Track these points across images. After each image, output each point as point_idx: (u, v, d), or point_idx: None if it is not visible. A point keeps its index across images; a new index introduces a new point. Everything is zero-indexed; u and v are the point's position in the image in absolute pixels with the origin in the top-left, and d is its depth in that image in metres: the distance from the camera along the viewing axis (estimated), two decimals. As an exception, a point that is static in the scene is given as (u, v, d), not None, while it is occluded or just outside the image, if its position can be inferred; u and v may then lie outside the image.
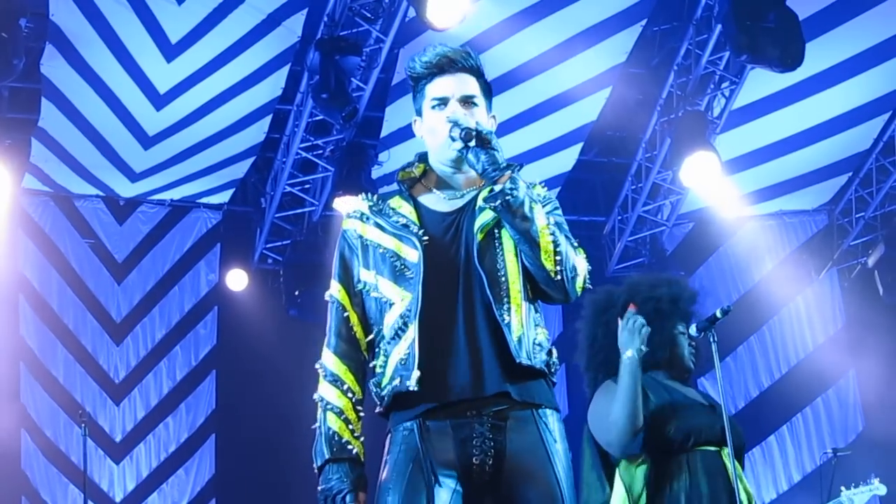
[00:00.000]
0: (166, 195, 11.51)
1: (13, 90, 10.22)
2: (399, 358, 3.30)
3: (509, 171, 3.32)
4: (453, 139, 3.37)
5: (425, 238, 3.38)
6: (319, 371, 3.45)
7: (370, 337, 3.44)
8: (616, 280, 11.57)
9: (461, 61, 3.54)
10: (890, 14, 9.86)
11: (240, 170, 11.28)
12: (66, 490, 10.70)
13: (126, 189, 11.27)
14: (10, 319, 10.83)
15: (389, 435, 3.36)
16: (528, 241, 3.34)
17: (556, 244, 3.36)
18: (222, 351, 11.56)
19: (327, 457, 3.34)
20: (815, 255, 12.18)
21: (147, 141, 10.53)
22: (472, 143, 3.33)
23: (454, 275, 3.36)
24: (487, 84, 3.59)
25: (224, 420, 11.42)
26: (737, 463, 4.84)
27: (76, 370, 11.01)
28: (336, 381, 3.40)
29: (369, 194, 3.58)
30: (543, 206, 3.45)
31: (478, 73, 3.56)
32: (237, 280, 11.42)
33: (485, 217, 3.40)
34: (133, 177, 11.03)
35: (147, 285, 11.43)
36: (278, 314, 11.14)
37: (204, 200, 11.66)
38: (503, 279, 3.37)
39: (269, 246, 11.44)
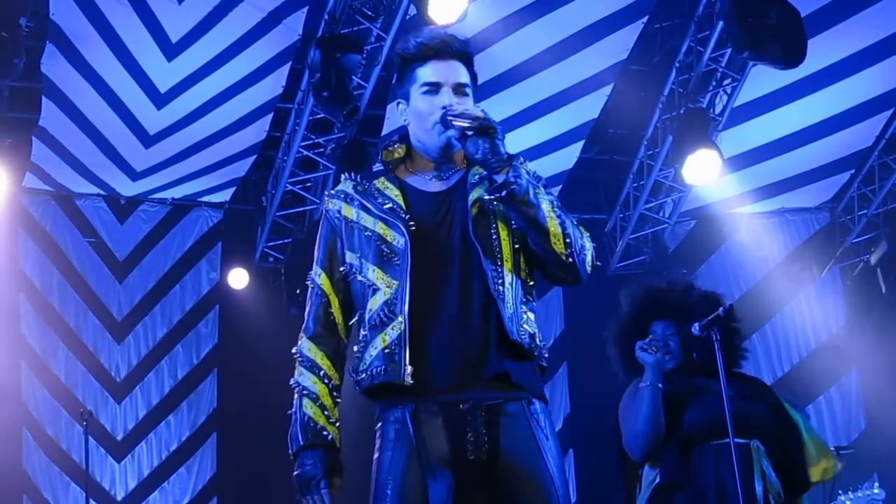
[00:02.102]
0: (167, 194, 11.50)
1: (14, 89, 10.22)
2: (383, 347, 3.24)
3: (509, 161, 3.23)
4: (448, 126, 3.27)
5: (412, 224, 3.32)
6: (296, 357, 3.42)
7: (352, 321, 3.41)
8: (617, 279, 11.62)
9: (455, 47, 3.46)
10: (892, 11, 9.83)
11: (241, 168, 11.26)
12: (67, 488, 10.69)
13: (127, 188, 11.26)
14: (11, 318, 10.83)
15: (380, 426, 3.31)
16: (535, 227, 3.28)
17: (563, 226, 3.30)
18: (223, 349, 11.56)
19: (302, 443, 3.33)
20: (818, 253, 12.17)
21: (148, 140, 10.52)
22: (472, 133, 3.22)
23: (448, 256, 3.31)
24: (475, 74, 3.51)
25: (225, 418, 11.42)
26: (765, 456, 4.85)
27: (77, 369, 11.00)
28: (313, 366, 3.37)
29: (353, 174, 3.52)
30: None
31: (469, 61, 3.49)
32: (238, 278, 11.41)
33: (478, 192, 3.34)
34: (134, 176, 11.02)
35: (148, 284, 11.42)
36: (279, 313, 11.12)
37: (205, 199, 11.65)
38: (498, 253, 3.31)
39: (270, 244, 11.43)
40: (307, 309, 3.47)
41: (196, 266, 11.62)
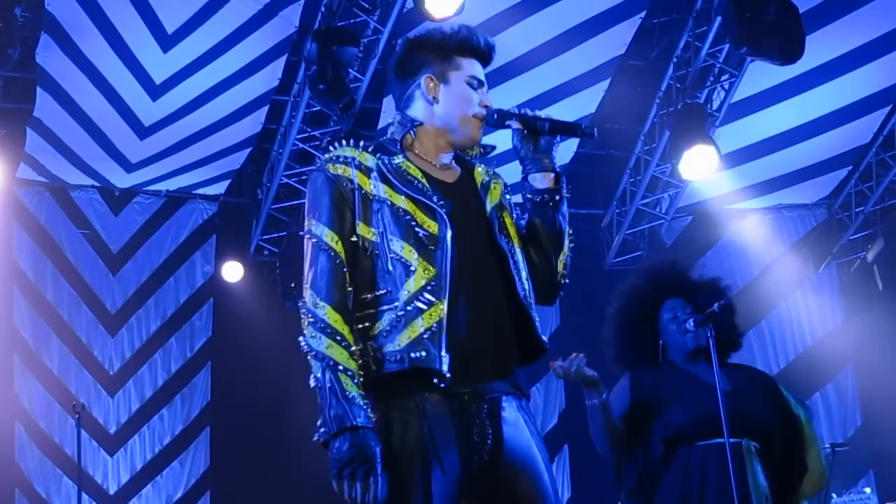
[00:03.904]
0: (162, 186, 11.46)
1: (8, 80, 10.16)
2: (421, 331, 3.13)
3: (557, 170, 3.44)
4: (502, 124, 3.43)
5: (444, 208, 3.28)
6: (310, 320, 3.18)
7: (367, 295, 3.22)
8: (613, 274, 11.59)
9: (492, 58, 3.59)
10: (891, 7, 9.83)
11: (236, 161, 11.23)
12: (59, 482, 10.65)
13: (122, 180, 11.22)
14: (4, 310, 10.78)
15: (380, 415, 3.15)
16: (556, 239, 3.41)
17: (570, 250, 3.44)
18: (217, 343, 11.52)
19: (352, 423, 3.05)
20: (815, 250, 12.16)
21: (143, 131, 10.48)
22: (548, 133, 3.46)
23: (469, 250, 3.29)
24: None
25: (219, 412, 11.38)
26: (756, 456, 4.81)
27: (70, 361, 10.95)
28: (342, 340, 3.13)
29: (363, 143, 3.40)
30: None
31: None
32: (233, 272, 11.38)
33: (494, 197, 3.44)
34: (129, 167, 10.98)
35: (142, 276, 11.39)
36: (274, 306, 11.11)
37: (200, 191, 11.61)
38: (517, 258, 3.37)
39: (265, 237, 11.40)
40: (318, 270, 3.22)
41: (190, 259, 11.59)
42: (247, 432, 11.07)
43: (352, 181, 3.30)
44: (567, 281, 3.48)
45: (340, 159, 3.34)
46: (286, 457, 10.40)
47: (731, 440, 4.72)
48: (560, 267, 3.44)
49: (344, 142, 3.41)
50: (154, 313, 11.37)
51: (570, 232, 3.47)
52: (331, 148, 3.42)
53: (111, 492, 10.91)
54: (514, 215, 3.49)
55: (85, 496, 9.39)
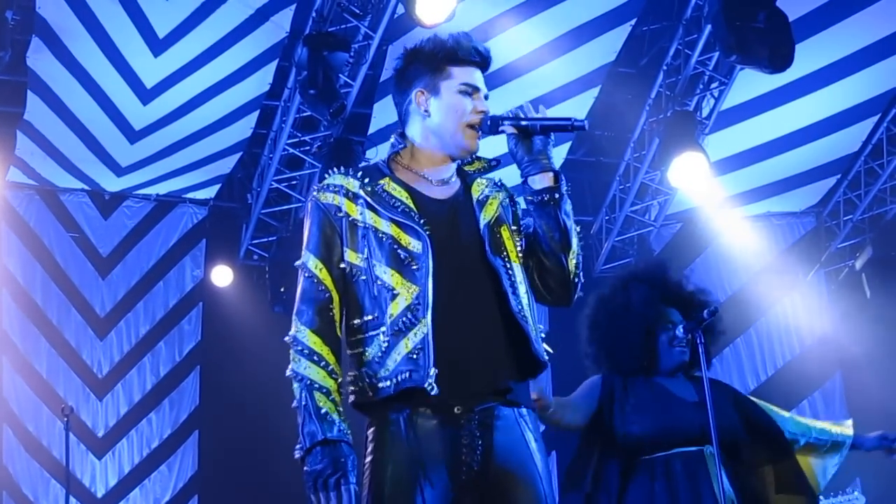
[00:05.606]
0: (152, 190, 11.46)
1: (-2, 82, 10.18)
2: (408, 352, 3.19)
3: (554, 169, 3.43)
4: (497, 129, 3.43)
5: (428, 228, 3.30)
6: (293, 346, 3.29)
7: (356, 321, 3.31)
8: (602, 281, 11.60)
9: (489, 62, 3.58)
10: (880, 16, 9.84)
11: (226, 165, 11.23)
12: (47, 485, 10.63)
13: (112, 183, 11.22)
14: (-8, 313, 10.79)
15: (373, 430, 3.27)
16: (564, 239, 3.40)
17: (579, 246, 3.45)
18: (207, 347, 11.52)
19: (322, 437, 3.16)
20: (803, 258, 12.17)
21: (133, 135, 10.48)
22: (540, 133, 3.45)
23: (458, 267, 3.31)
24: None
25: (207, 416, 11.37)
26: (719, 462, 4.82)
27: (59, 365, 10.94)
28: (320, 360, 3.24)
29: (352, 170, 3.46)
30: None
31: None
32: (222, 276, 11.38)
33: (489, 213, 3.42)
34: (119, 171, 10.98)
35: (132, 280, 11.38)
36: (263, 310, 11.10)
37: (190, 196, 11.62)
38: (513, 273, 3.36)
39: (254, 242, 11.41)
40: (302, 297, 3.34)
41: (180, 263, 11.59)
42: (235, 437, 11.06)
43: (340, 209, 3.38)
44: (582, 280, 3.47)
45: (331, 188, 3.42)
46: (274, 461, 10.38)
47: (692, 449, 4.77)
48: (572, 266, 3.43)
49: (335, 170, 3.47)
50: (143, 317, 11.36)
51: (578, 230, 3.47)
52: (325, 175, 3.48)
53: (99, 495, 10.89)
54: (522, 224, 3.50)
55: (73, 499, 9.38)
